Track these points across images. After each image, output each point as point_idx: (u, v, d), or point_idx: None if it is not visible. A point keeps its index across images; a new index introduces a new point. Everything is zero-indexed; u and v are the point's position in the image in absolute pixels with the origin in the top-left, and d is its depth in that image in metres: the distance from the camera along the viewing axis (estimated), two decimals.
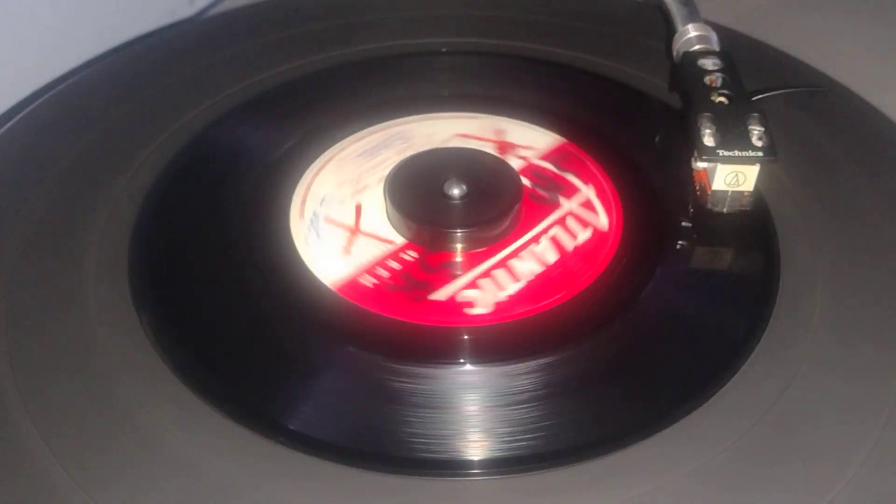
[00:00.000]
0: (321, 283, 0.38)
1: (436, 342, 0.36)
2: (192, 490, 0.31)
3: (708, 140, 0.40)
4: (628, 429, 0.33)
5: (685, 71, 0.44)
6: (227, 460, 0.32)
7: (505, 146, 0.46)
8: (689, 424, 0.33)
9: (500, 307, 0.38)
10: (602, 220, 0.42)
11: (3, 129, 0.47)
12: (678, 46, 0.47)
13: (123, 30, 0.62)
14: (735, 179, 0.40)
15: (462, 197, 0.41)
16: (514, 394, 0.34)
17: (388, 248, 0.40)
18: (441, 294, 0.38)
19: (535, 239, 0.41)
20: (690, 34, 0.46)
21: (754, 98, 0.43)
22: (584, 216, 0.42)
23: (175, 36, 0.59)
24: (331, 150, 0.45)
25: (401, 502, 0.31)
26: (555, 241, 0.41)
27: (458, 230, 0.40)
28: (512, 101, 0.48)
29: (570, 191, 0.43)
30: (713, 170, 0.40)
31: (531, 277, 0.39)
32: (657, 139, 0.47)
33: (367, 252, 0.40)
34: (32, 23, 0.56)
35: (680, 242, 0.41)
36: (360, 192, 0.43)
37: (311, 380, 0.35)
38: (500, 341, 0.36)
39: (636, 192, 0.43)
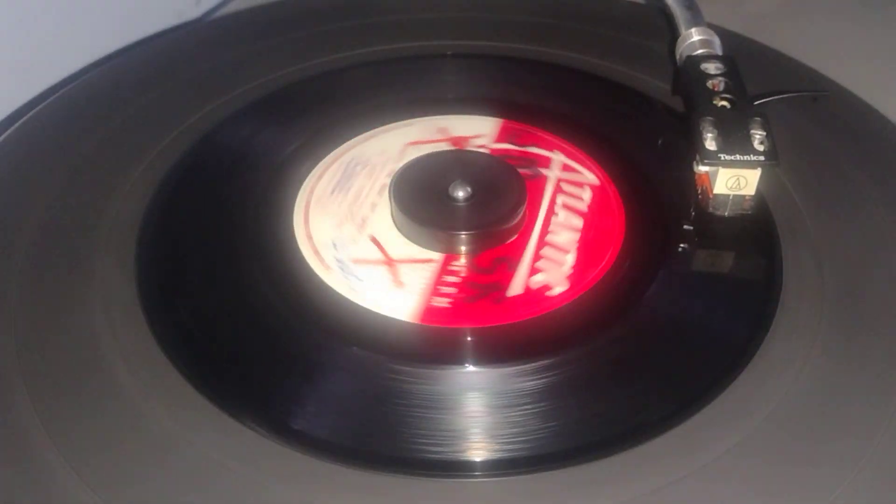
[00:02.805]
0: (401, 321, 0.37)
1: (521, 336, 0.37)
2: (198, 490, 0.31)
3: (710, 144, 0.40)
4: (630, 431, 0.33)
5: (688, 74, 0.44)
6: (234, 461, 0.32)
7: (458, 140, 0.46)
8: (690, 427, 0.33)
9: (573, 280, 0.39)
10: (588, 175, 0.43)
11: (10, 130, 0.47)
12: (681, 50, 0.47)
13: (130, 31, 0.62)
14: (737, 183, 0.40)
15: (471, 197, 0.41)
16: (516, 395, 0.34)
17: (434, 266, 0.40)
18: (516, 288, 0.39)
19: (552, 211, 0.42)
20: (693, 38, 0.47)
21: (757, 102, 0.43)
22: (573, 178, 0.43)
23: (181, 37, 0.59)
24: (301, 192, 0.44)
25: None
26: (568, 208, 0.42)
27: (492, 227, 0.40)
28: (508, 101, 0.49)
29: (543, 161, 0.44)
30: (715, 173, 0.40)
31: (576, 244, 0.40)
32: (659, 142, 0.47)
33: (418, 277, 0.39)
34: (39, 24, 0.56)
35: (682, 246, 0.41)
36: (363, 225, 0.42)
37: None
38: (503, 344, 0.36)
39: (638, 195, 0.43)
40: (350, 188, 0.44)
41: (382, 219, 0.42)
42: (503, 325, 0.37)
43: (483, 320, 0.37)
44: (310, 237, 0.41)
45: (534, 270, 0.39)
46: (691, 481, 0.31)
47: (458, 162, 0.44)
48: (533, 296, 0.38)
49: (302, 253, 0.40)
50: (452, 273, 0.40)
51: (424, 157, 0.45)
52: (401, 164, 0.44)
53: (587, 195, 0.43)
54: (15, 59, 0.55)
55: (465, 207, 0.41)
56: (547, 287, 0.39)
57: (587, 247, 0.40)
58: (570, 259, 0.40)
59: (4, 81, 0.55)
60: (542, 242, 0.41)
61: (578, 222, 0.42)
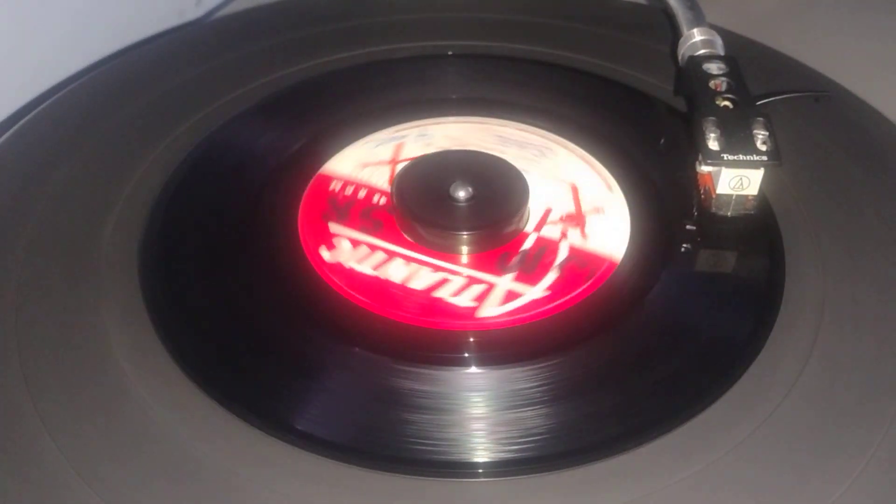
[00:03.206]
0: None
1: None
2: (201, 490, 0.31)
3: (712, 144, 0.40)
4: (632, 432, 0.33)
5: (690, 75, 0.44)
6: (238, 461, 0.32)
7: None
8: (693, 427, 0.33)
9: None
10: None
11: (11, 130, 0.47)
12: (683, 50, 0.47)
13: (131, 32, 0.62)
14: (739, 183, 0.40)
15: (472, 197, 0.41)
16: (519, 396, 0.34)
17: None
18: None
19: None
20: (696, 38, 0.47)
21: (759, 102, 0.43)
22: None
23: (182, 38, 0.59)
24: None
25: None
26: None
27: (494, 227, 0.40)
28: (511, 103, 0.49)
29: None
30: (718, 173, 0.40)
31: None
32: (662, 142, 0.47)
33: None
34: (41, 24, 0.56)
35: (684, 246, 0.41)
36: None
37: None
38: (507, 345, 0.36)
39: (641, 195, 0.43)
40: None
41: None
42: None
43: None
44: None
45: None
46: (694, 482, 0.31)
47: (459, 162, 0.44)
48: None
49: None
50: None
51: (426, 157, 0.45)
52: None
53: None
54: (16, 60, 0.55)
55: (467, 207, 0.41)
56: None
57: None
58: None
59: (6, 81, 0.55)
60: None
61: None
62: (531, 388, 0.34)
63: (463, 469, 0.32)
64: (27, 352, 0.35)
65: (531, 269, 0.40)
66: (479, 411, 0.34)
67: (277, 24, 0.56)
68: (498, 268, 0.40)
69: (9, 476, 0.31)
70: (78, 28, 0.59)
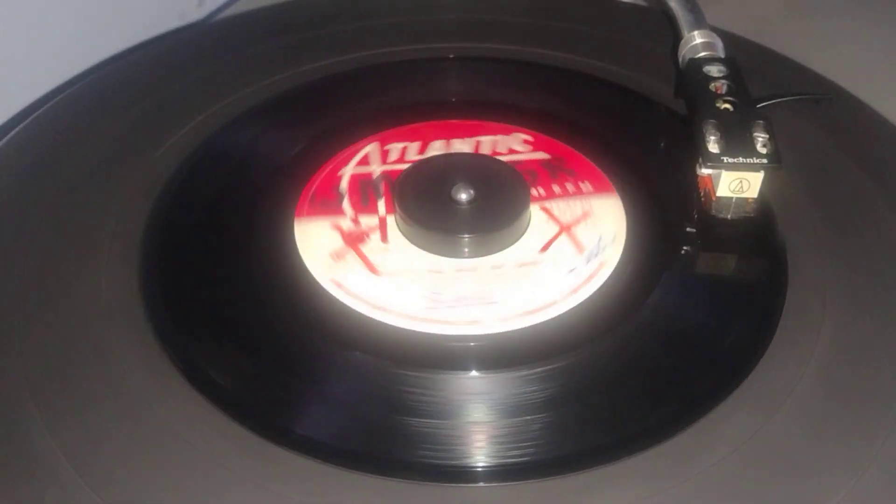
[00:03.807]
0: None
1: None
2: (199, 491, 0.31)
3: (713, 147, 0.40)
4: (634, 437, 0.33)
5: (690, 77, 0.44)
6: (238, 463, 0.32)
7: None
8: (694, 432, 0.33)
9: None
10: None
11: (14, 131, 0.47)
12: (684, 52, 0.47)
13: (132, 33, 0.62)
14: (739, 186, 0.40)
15: (474, 200, 0.41)
16: (520, 402, 0.34)
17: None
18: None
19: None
20: (696, 41, 0.47)
21: (760, 105, 0.43)
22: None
23: (184, 39, 0.59)
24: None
25: None
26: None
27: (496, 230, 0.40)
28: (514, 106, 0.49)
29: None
30: (718, 176, 0.40)
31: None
32: (661, 145, 0.47)
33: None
34: (43, 27, 0.56)
35: (684, 248, 0.41)
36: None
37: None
38: (507, 349, 0.36)
39: (640, 197, 0.43)
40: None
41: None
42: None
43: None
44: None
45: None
46: (695, 487, 0.31)
47: (460, 164, 0.44)
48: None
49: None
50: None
51: (427, 159, 0.45)
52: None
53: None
54: (19, 62, 0.55)
55: (468, 210, 0.41)
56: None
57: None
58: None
59: (7, 83, 0.55)
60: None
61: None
62: (531, 393, 0.34)
63: (461, 474, 0.32)
64: (28, 352, 0.35)
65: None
66: (478, 416, 0.34)
67: (279, 25, 0.56)
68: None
69: (9, 476, 0.31)
70: (80, 30, 0.59)
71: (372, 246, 0.41)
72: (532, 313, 0.38)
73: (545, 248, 0.40)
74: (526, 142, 0.46)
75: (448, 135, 0.47)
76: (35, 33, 0.56)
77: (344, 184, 0.44)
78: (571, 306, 0.38)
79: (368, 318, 0.37)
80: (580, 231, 0.41)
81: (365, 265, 0.40)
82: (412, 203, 0.41)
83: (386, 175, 0.44)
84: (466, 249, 0.40)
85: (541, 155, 0.46)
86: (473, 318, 0.37)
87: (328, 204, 0.43)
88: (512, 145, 0.46)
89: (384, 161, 0.45)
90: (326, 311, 0.38)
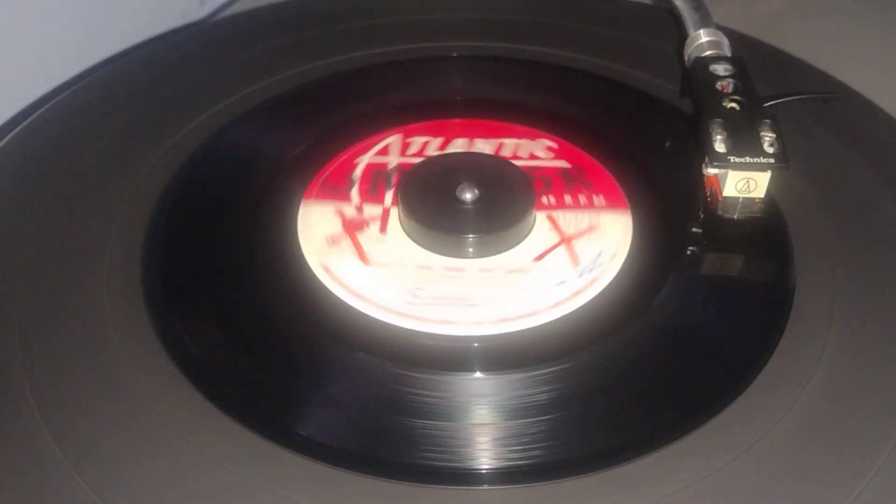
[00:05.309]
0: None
1: None
2: (200, 493, 0.31)
3: (719, 146, 0.40)
4: (640, 439, 0.32)
5: (697, 76, 0.44)
6: (238, 464, 0.32)
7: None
8: (701, 435, 0.33)
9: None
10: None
11: (15, 131, 0.47)
12: (690, 51, 0.47)
13: (134, 32, 0.62)
14: (746, 186, 0.40)
15: (478, 200, 0.41)
16: (525, 403, 0.34)
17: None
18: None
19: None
20: (702, 39, 0.46)
21: (766, 104, 0.43)
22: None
23: (185, 38, 0.59)
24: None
25: None
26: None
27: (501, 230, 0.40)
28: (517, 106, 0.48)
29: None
30: (724, 176, 0.40)
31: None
32: (668, 144, 0.47)
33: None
34: (44, 26, 0.56)
35: (691, 249, 0.40)
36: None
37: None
38: (511, 350, 0.36)
39: (647, 197, 0.43)
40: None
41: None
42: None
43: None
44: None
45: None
46: (701, 490, 0.31)
47: (465, 164, 0.43)
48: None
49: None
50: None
51: (431, 159, 0.44)
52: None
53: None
54: (20, 61, 0.55)
55: (468, 210, 0.40)
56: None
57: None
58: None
59: (7, 83, 0.55)
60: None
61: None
62: (536, 395, 0.34)
63: (465, 477, 0.32)
64: (28, 352, 0.35)
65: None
66: (483, 419, 0.34)
67: (281, 24, 0.56)
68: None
69: (9, 475, 0.31)
70: (81, 29, 0.59)
71: (369, 235, 0.41)
72: (509, 321, 0.37)
73: (540, 257, 0.40)
74: (549, 148, 0.46)
75: (472, 134, 0.46)
76: (35, 33, 0.56)
77: (358, 171, 0.44)
78: (551, 318, 0.37)
79: (346, 304, 0.37)
80: (580, 244, 0.41)
81: (357, 253, 0.40)
82: (414, 197, 0.41)
83: (400, 167, 0.44)
84: (457, 249, 0.40)
85: (561, 163, 0.45)
86: (448, 318, 0.37)
87: (337, 189, 0.43)
88: (535, 150, 0.46)
89: (403, 153, 0.45)
90: (309, 295, 0.38)
